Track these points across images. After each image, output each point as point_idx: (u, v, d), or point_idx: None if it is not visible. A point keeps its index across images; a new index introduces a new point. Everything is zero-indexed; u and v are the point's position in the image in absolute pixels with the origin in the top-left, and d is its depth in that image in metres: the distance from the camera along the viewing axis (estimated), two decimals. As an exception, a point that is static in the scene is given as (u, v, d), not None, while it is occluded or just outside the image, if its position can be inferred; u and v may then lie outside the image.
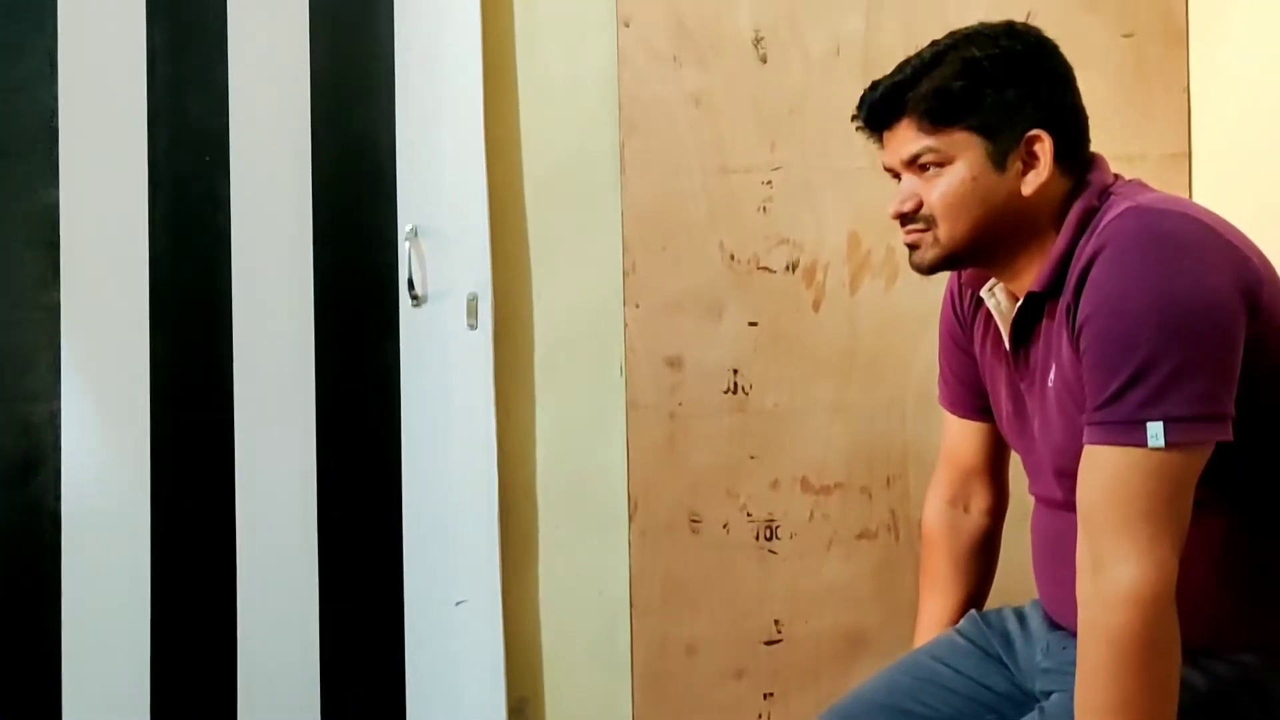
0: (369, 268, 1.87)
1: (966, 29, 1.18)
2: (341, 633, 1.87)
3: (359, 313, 1.88)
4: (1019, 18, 1.21)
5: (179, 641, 1.85)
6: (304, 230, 1.86)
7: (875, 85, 1.19)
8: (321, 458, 1.87)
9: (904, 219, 1.18)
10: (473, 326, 1.83)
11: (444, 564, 1.85)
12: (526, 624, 1.87)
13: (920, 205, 1.16)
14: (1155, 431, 0.99)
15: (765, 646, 1.83)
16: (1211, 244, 1.04)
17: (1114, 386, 1.01)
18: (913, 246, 1.19)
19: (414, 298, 1.85)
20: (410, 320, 1.87)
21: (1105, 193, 1.14)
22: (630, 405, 1.83)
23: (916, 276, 1.71)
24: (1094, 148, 1.20)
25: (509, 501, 1.85)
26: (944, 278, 1.36)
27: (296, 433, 1.86)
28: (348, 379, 1.88)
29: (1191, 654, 1.03)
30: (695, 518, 1.83)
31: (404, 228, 1.86)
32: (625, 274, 1.83)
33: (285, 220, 1.86)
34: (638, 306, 1.82)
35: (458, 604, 1.85)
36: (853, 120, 1.22)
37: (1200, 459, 1.02)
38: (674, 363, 1.83)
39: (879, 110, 1.19)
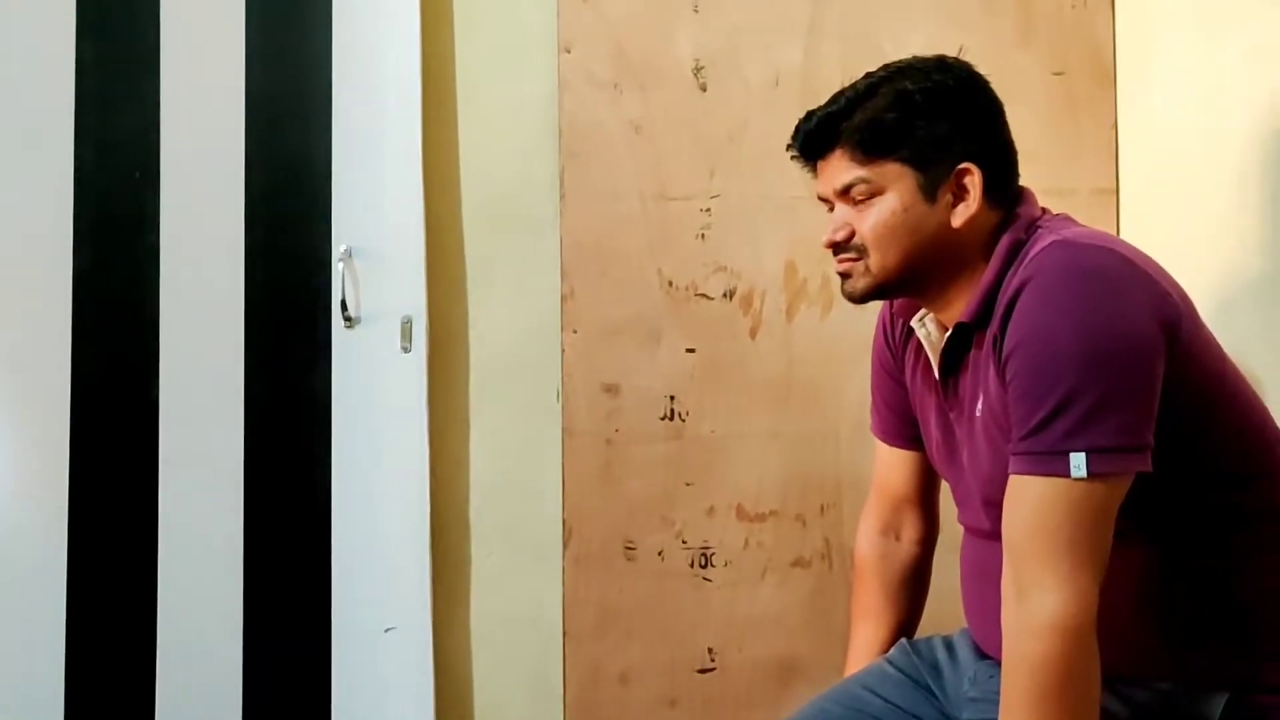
0: (301, 288, 1.85)
1: (900, 62, 1.20)
2: (267, 660, 1.82)
3: (290, 334, 1.85)
4: (952, 53, 1.22)
5: (96, 671, 1.79)
6: (235, 249, 1.83)
7: (810, 115, 1.20)
8: (249, 480, 1.83)
9: (836, 248, 1.19)
10: (406, 349, 1.81)
11: (373, 590, 1.82)
12: (457, 652, 1.84)
13: (852, 235, 1.17)
14: (1078, 462, 1.00)
15: (699, 675, 1.82)
16: (1134, 279, 1.06)
17: (1038, 417, 1.03)
18: (845, 275, 1.20)
19: (347, 319, 1.83)
20: (343, 342, 1.84)
21: (1033, 226, 1.16)
22: (566, 431, 1.81)
23: (851, 306, 1.73)
24: (1026, 182, 1.22)
25: (441, 527, 1.82)
26: (879, 307, 1.38)
27: (223, 455, 1.82)
28: (277, 400, 1.84)
29: (1111, 682, 1.04)
30: (630, 545, 1.82)
31: (338, 248, 1.83)
32: (563, 299, 1.82)
33: (216, 239, 1.83)
34: (575, 332, 1.82)
35: (387, 631, 1.81)
36: (788, 149, 1.23)
37: (1121, 489, 1.03)
38: (611, 389, 1.82)
39: (813, 140, 1.20)
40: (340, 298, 1.82)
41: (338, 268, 1.83)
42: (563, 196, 1.82)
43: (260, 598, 1.83)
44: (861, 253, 1.17)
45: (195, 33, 1.83)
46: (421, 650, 1.78)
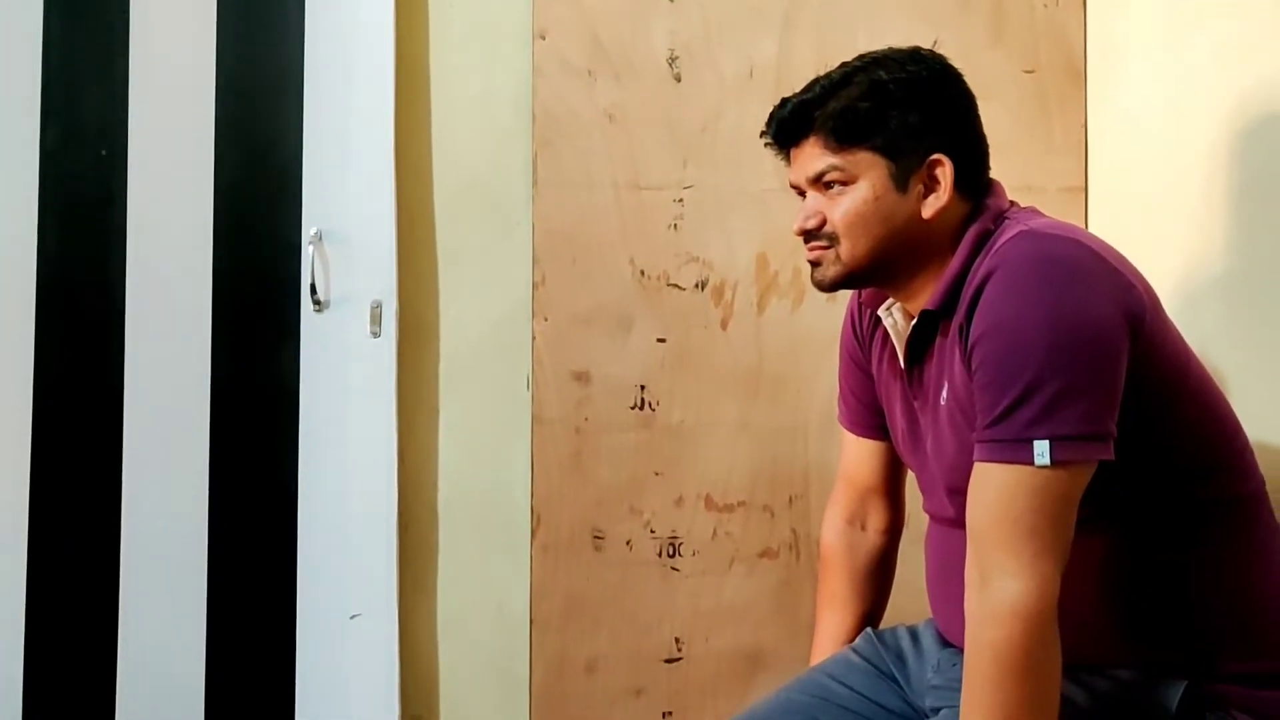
0: (270, 271, 1.83)
1: (875, 52, 1.21)
2: (229, 645, 1.81)
3: (258, 316, 1.84)
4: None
5: (56, 654, 1.77)
6: (204, 230, 1.81)
7: (785, 102, 1.21)
8: (214, 465, 1.81)
9: (807, 236, 1.20)
10: (376, 334, 1.80)
11: (340, 576, 1.81)
12: (423, 639, 1.83)
13: (824, 223, 1.18)
14: (1041, 450, 1.01)
15: (665, 665, 1.82)
16: (1099, 270, 1.07)
17: (1003, 405, 1.03)
18: (815, 263, 1.20)
19: (316, 303, 1.82)
20: (312, 326, 1.83)
21: (1001, 217, 1.17)
22: (536, 419, 1.81)
23: (822, 299, 1.77)
24: (997, 179, 1.22)
25: (409, 514, 1.82)
26: (849, 300, 1.39)
27: (188, 439, 1.81)
28: (244, 385, 1.83)
29: (1073, 669, 1.05)
30: (598, 534, 1.81)
31: (308, 231, 1.82)
32: (534, 286, 1.81)
33: (184, 220, 1.81)
34: (546, 320, 1.81)
35: (353, 617, 1.80)
36: (761, 136, 1.24)
37: (1084, 477, 1.04)
38: (581, 377, 1.82)
39: (787, 127, 1.20)
40: (310, 281, 1.81)
41: (307, 251, 1.81)
42: (535, 184, 1.82)
43: (224, 583, 1.81)
44: (832, 241, 1.18)
45: (166, 10, 1.81)
46: (387, 638, 1.78)
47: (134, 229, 1.80)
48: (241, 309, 1.83)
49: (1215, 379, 1.19)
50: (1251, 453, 1.17)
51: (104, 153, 1.80)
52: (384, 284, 1.79)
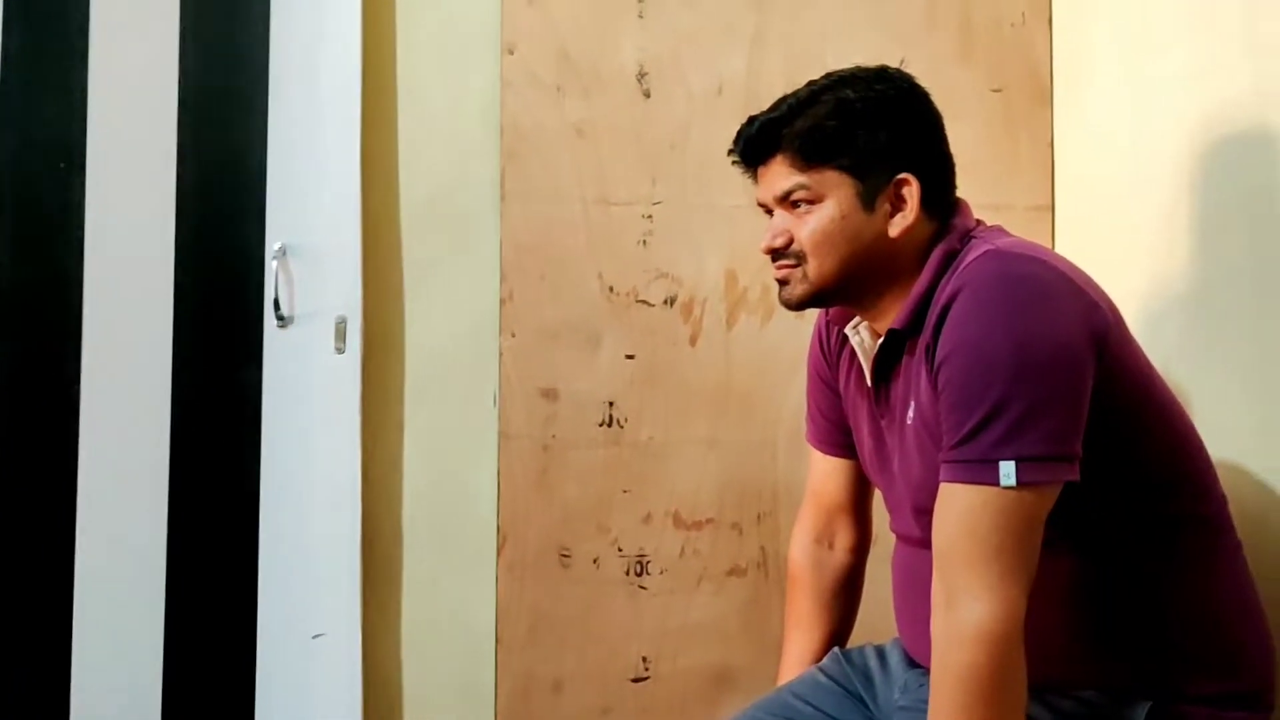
0: (233, 286, 1.81)
1: (843, 71, 1.21)
2: (188, 665, 1.78)
3: (221, 332, 1.81)
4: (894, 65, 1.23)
5: (8, 674, 1.73)
6: (165, 244, 1.79)
7: (752, 120, 1.20)
8: (174, 482, 1.78)
9: (775, 254, 1.20)
10: (340, 350, 1.78)
11: (302, 595, 1.78)
12: (387, 659, 1.81)
13: (791, 241, 1.18)
14: (1007, 471, 1.01)
15: (632, 684, 1.80)
16: (1064, 290, 1.08)
17: (969, 426, 1.03)
18: (782, 282, 1.20)
19: (280, 318, 1.79)
20: (275, 342, 1.81)
21: (967, 236, 1.17)
22: (503, 436, 1.79)
23: (791, 316, 1.77)
24: (964, 197, 1.23)
25: (372, 531, 1.79)
26: (818, 317, 1.38)
27: (146, 456, 1.78)
28: (206, 401, 1.80)
29: (1037, 690, 1.05)
30: (565, 552, 1.80)
31: (272, 246, 1.80)
32: (502, 302, 1.80)
33: (144, 233, 1.78)
34: (514, 336, 1.80)
35: (315, 637, 1.78)
36: (729, 154, 1.23)
37: (1050, 498, 1.04)
38: (549, 394, 1.80)
39: (755, 145, 1.20)
40: (273, 296, 1.78)
41: (271, 265, 1.79)
42: (503, 198, 1.81)
43: (183, 603, 1.78)
44: (800, 259, 1.17)
45: (127, 19, 1.78)
46: (350, 657, 1.75)
47: (93, 242, 1.77)
48: (203, 324, 1.80)
49: (1178, 397, 1.20)
50: (1213, 471, 1.18)
51: (62, 165, 1.77)
52: (349, 299, 1.77)
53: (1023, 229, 1.28)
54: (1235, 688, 1.12)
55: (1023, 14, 1.87)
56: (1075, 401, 1.04)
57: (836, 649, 1.38)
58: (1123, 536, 1.12)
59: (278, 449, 1.80)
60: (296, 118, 1.81)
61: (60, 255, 1.77)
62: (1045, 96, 1.88)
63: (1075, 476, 1.04)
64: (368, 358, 1.79)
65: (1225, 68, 1.42)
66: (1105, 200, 1.72)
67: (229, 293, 1.81)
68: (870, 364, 1.21)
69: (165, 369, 1.79)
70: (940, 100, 1.22)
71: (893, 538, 1.30)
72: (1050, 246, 1.85)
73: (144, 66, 1.79)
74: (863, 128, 1.15)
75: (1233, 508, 1.19)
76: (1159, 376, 1.17)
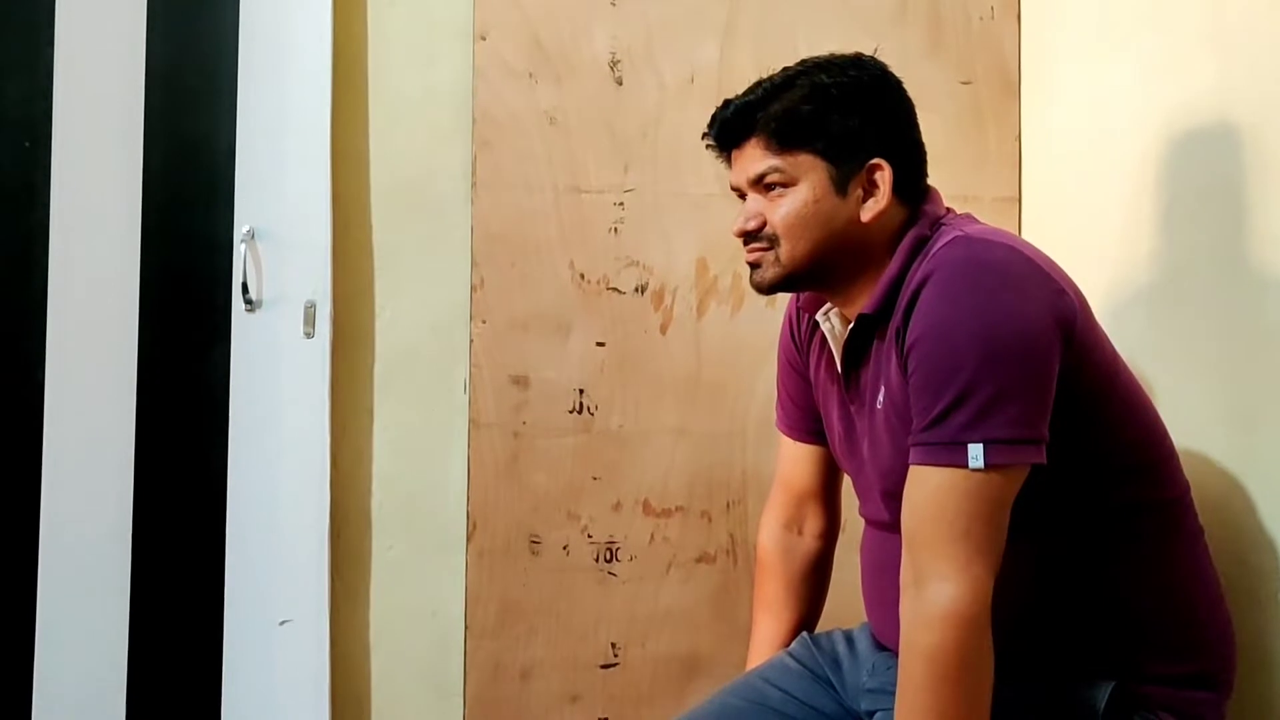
0: (201, 269, 1.79)
1: (818, 57, 1.22)
2: (153, 652, 1.76)
3: (188, 316, 1.79)
4: (866, 54, 1.24)
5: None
6: (131, 227, 1.76)
7: (727, 104, 1.21)
8: (140, 467, 1.76)
9: (747, 237, 1.20)
10: (309, 335, 1.76)
11: (269, 582, 1.77)
12: (355, 646, 1.80)
13: (764, 224, 1.18)
14: (975, 453, 1.02)
15: (601, 670, 1.81)
16: (1032, 275, 1.09)
17: (937, 409, 1.04)
18: (754, 265, 1.21)
19: (248, 303, 1.78)
20: (243, 326, 1.79)
21: (937, 223, 1.18)
22: (473, 423, 1.79)
23: (761, 304, 1.78)
24: (934, 186, 1.24)
25: (341, 518, 1.78)
26: (788, 306, 1.39)
27: (112, 441, 1.75)
28: (172, 386, 1.78)
29: (1003, 671, 1.06)
30: (535, 539, 1.80)
31: (240, 229, 1.78)
32: (473, 289, 1.80)
33: (111, 215, 1.76)
34: (484, 323, 1.79)
35: (282, 623, 1.76)
36: (703, 138, 1.24)
37: (1017, 481, 1.05)
38: (519, 381, 1.80)
39: (729, 128, 1.20)
40: (241, 280, 1.77)
41: (239, 249, 1.77)
42: (474, 185, 1.80)
43: (148, 589, 1.76)
44: (773, 242, 1.18)
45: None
46: (318, 644, 1.74)
47: (57, 224, 1.75)
48: (170, 308, 1.78)
49: (1141, 384, 1.22)
50: (1177, 458, 1.20)
51: (27, 144, 1.74)
52: (318, 284, 1.76)
53: (990, 220, 1.29)
54: (1195, 669, 1.14)
55: (991, 8, 1.89)
56: (1042, 386, 1.05)
57: (805, 634, 1.39)
58: (1086, 521, 1.14)
59: (245, 434, 1.78)
60: (266, 99, 1.79)
61: (24, 237, 1.74)
62: (1013, 89, 1.90)
63: (1042, 459, 1.05)
64: (337, 343, 1.78)
65: (1189, 62, 1.44)
66: (1071, 192, 1.74)
67: (196, 276, 1.79)
68: (840, 350, 1.22)
69: (131, 352, 1.76)
70: (910, 92, 1.23)
71: (861, 524, 1.31)
72: (1015, 234, 1.87)
73: (111, 46, 1.76)
74: (837, 112, 1.16)
75: (1195, 494, 1.21)
76: (1124, 364, 1.19)
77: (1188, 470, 1.21)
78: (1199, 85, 1.42)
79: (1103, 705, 1.10)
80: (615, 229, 1.83)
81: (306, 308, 1.77)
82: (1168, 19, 1.49)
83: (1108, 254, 1.59)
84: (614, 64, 1.83)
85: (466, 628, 1.78)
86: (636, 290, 1.83)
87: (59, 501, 1.74)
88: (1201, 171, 1.41)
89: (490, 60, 1.81)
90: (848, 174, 1.16)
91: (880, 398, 1.15)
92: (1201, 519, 1.21)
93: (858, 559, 1.34)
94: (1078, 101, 1.73)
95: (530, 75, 1.81)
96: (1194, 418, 1.38)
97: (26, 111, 1.74)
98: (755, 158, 1.18)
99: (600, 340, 1.82)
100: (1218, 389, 1.36)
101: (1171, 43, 1.48)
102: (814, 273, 1.19)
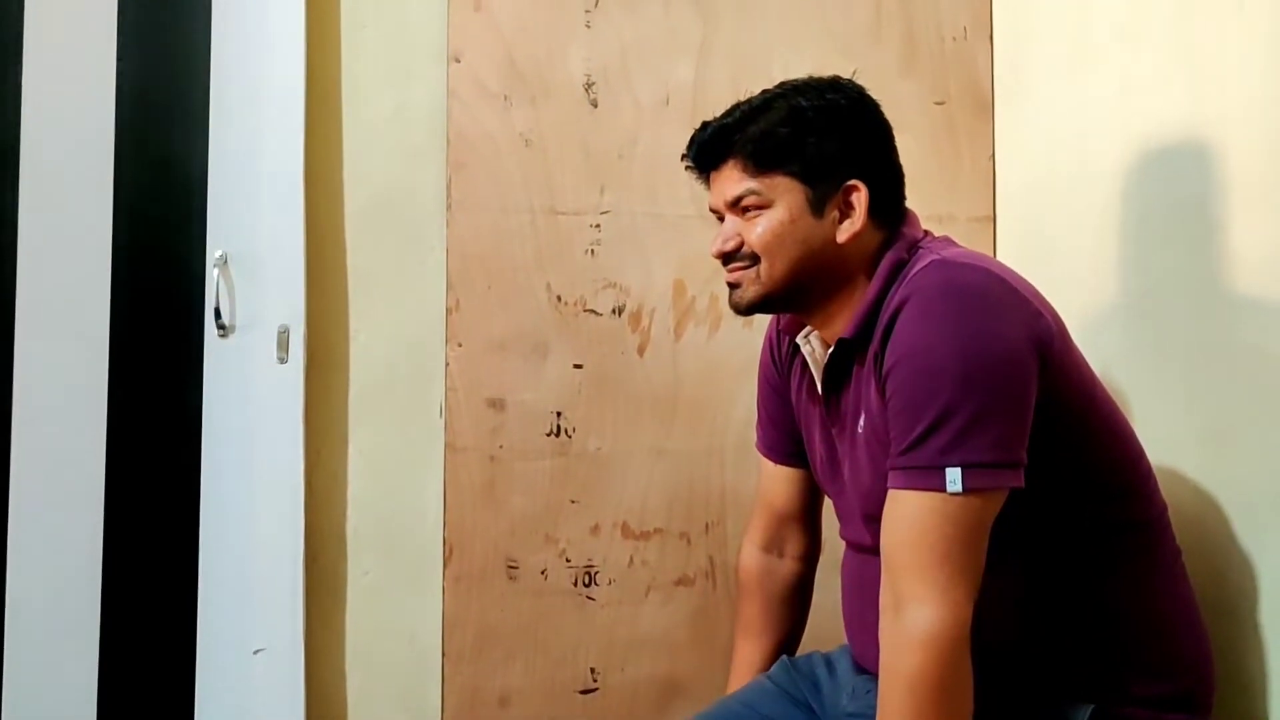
0: (173, 294, 1.77)
1: (795, 80, 1.22)
2: (124, 683, 1.73)
3: (160, 342, 1.77)
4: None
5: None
6: (102, 251, 1.74)
7: (705, 126, 1.21)
8: (110, 494, 1.74)
9: (726, 258, 1.20)
10: (283, 360, 1.75)
11: (242, 610, 1.74)
12: (330, 673, 1.77)
13: (741, 244, 1.19)
14: (954, 477, 1.02)
15: (580, 696, 1.79)
16: (1008, 298, 1.09)
17: (915, 433, 1.04)
18: (734, 285, 1.21)
19: (221, 328, 1.76)
20: (216, 352, 1.77)
21: (915, 246, 1.18)
22: (449, 447, 1.78)
23: (739, 325, 1.77)
24: (911, 209, 1.24)
25: (316, 544, 1.76)
26: (767, 328, 1.39)
27: (82, 467, 1.73)
28: (144, 412, 1.76)
29: (983, 694, 1.06)
30: (513, 563, 1.78)
31: (213, 254, 1.76)
32: (448, 312, 1.78)
33: (81, 239, 1.74)
34: (460, 345, 1.78)
35: (256, 652, 1.74)
36: (682, 160, 1.24)
37: (996, 504, 1.05)
38: (496, 404, 1.79)
39: (707, 150, 1.21)
40: (214, 305, 1.75)
41: (212, 274, 1.76)
42: (449, 207, 1.79)
43: (119, 618, 1.73)
44: (753, 260, 1.18)
45: (63, 18, 1.74)
46: (292, 673, 1.71)
47: (26, 247, 1.72)
48: (142, 333, 1.76)
49: (1116, 401, 1.22)
50: (1154, 478, 1.21)
51: (-6, 167, 1.73)
52: (292, 308, 1.74)
53: (965, 240, 1.30)
54: (1174, 689, 1.14)
55: (964, 28, 1.90)
56: (1020, 409, 1.05)
57: (784, 657, 1.38)
58: (1064, 542, 1.14)
59: (218, 460, 1.76)
60: (239, 122, 1.77)
61: (-9, 262, 1.72)
62: (986, 109, 1.91)
63: (1020, 483, 1.05)
64: (311, 368, 1.76)
65: (1160, 82, 1.45)
66: (1045, 211, 1.75)
67: (168, 301, 1.77)
68: (821, 373, 1.22)
69: (102, 379, 1.74)
70: (886, 112, 1.23)
71: (841, 545, 1.31)
72: (994, 257, 1.87)
73: (81, 68, 1.74)
74: (814, 135, 1.16)
75: (1172, 514, 1.21)
76: (1101, 384, 1.19)
77: (1165, 490, 1.22)
78: (1170, 105, 1.43)
79: (1083, 728, 1.10)
80: (592, 250, 1.82)
81: (280, 332, 1.75)
82: (1138, 39, 1.50)
83: (1082, 273, 1.60)
84: (589, 85, 1.83)
85: (444, 653, 1.77)
86: (614, 312, 1.82)
87: (29, 529, 1.71)
88: (1173, 190, 1.42)
89: (465, 82, 1.80)
90: (823, 195, 1.16)
91: (861, 422, 1.15)
92: (1178, 539, 1.22)
93: (838, 581, 1.33)
94: (1051, 120, 1.74)
95: (505, 97, 1.81)
96: (1170, 437, 1.38)
97: (-6, 135, 1.72)
98: (733, 180, 1.18)
99: (577, 362, 1.81)
100: (1194, 408, 1.37)
101: (1142, 64, 1.49)
102: (792, 293, 1.19)
